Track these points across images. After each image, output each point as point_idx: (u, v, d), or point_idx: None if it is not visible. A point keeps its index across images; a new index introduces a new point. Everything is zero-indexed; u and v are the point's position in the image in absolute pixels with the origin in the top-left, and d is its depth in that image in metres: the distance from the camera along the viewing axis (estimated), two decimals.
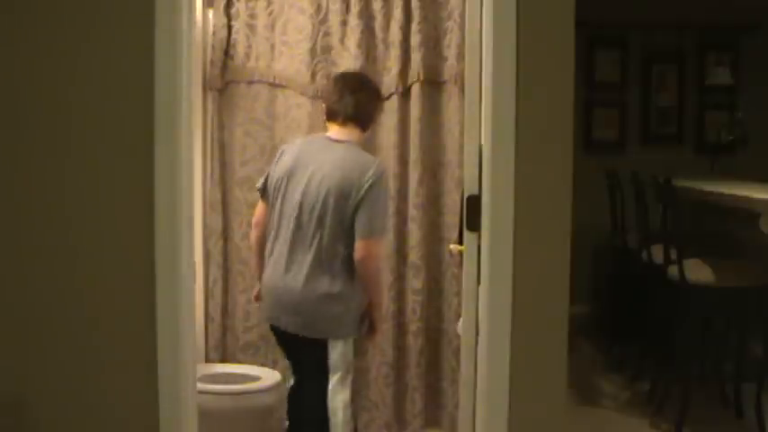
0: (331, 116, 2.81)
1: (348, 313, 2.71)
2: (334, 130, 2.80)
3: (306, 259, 2.67)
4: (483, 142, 2.20)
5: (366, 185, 2.65)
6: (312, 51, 3.35)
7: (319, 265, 2.67)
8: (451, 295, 3.30)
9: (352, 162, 2.70)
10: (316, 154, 2.75)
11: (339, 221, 2.66)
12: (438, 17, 3.31)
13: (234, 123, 3.42)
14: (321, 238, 2.66)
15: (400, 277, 3.36)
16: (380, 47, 3.34)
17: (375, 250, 2.69)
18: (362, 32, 3.31)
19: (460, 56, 3.15)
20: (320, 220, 2.66)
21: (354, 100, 2.77)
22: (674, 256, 3.35)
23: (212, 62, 3.40)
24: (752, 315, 3.38)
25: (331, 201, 2.65)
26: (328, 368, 2.71)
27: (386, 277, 3.30)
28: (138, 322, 2.12)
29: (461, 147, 3.02)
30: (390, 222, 3.19)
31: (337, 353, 2.70)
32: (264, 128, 3.41)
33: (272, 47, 3.39)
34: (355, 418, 2.81)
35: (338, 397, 2.71)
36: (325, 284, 2.66)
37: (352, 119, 2.78)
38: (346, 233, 2.67)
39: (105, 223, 2.11)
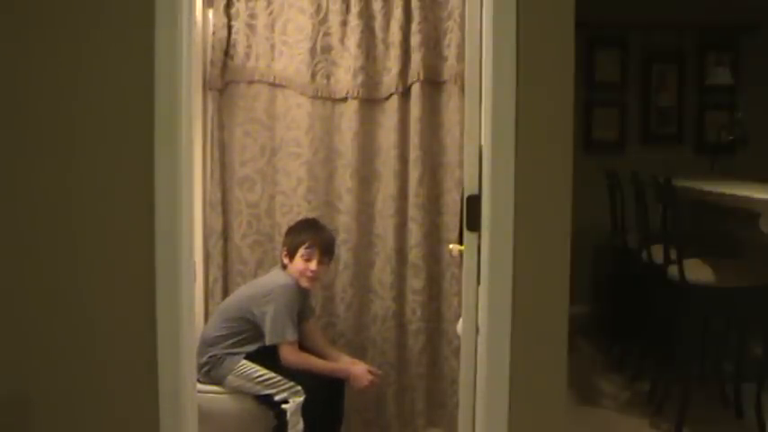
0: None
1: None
2: None
3: None
4: (483, 142, 2.20)
5: None
6: (312, 51, 3.35)
7: None
8: (451, 295, 3.30)
9: None
10: None
11: None
12: (438, 17, 3.31)
13: (234, 123, 3.42)
14: None
15: (400, 277, 3.36)
16: (380, 47, 3.34)
17: None
18: (362, 32, 3.31)
19: (460, 56, 3.15)
20: None
21: None
22: (674, 256, 3.35)
23: (212, 62, 3.40)
24: (752, 315, 3.38)
25: None
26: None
27: (385, 278, 3.32)
28: (138, 322, 2.12)
29: (461, 147, 3.02)
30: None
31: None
32: (264, 128, 3.41)
33: (272, 47, 3.39)
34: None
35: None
36: None
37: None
38: None
39: (105, 223, 2.11)
